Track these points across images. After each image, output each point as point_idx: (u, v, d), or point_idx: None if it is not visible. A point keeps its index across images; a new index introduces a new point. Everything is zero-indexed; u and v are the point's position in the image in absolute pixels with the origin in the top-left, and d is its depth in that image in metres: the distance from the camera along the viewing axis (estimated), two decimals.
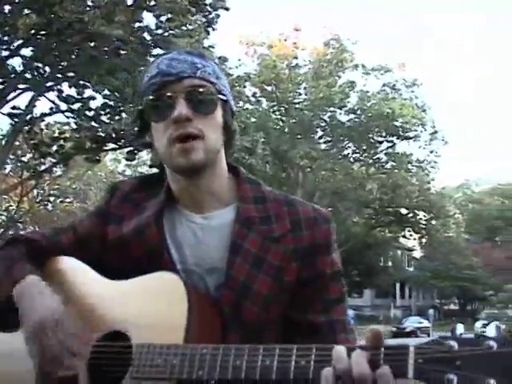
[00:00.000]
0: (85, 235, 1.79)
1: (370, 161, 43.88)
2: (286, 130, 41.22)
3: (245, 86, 34.81)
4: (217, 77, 1.68)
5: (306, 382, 1.27)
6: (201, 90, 1.62)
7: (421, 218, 47.71)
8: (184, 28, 21.89)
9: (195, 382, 1.39)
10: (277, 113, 42.01)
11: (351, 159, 43.82)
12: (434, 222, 48.22)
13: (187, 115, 1.58)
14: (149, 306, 1.56)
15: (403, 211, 46.46)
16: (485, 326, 32.90)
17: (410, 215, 46.78)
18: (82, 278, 1.72)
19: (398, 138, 42.96)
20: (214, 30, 23.54)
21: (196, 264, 1.66)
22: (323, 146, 42.95)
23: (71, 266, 1.75)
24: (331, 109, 41.08)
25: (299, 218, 1.68)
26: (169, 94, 1.60)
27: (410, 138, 42.99)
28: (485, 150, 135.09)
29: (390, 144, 43.58)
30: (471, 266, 58.19)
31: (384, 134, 42.50)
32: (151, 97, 1.63)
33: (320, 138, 43.25)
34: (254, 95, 39.98)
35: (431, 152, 43.73)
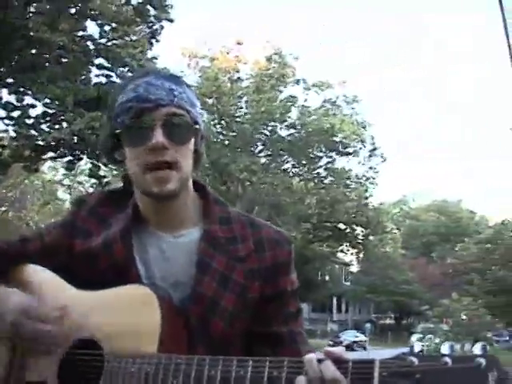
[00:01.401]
0: (51, 244, 1.82)
1: (310, 176, 44.20)
2: (227, 143, 41.26)
3: None
4: (191, 104, 1.72)
5: None
6: (177, 119, 1.66)
7: (358, 233, 48.21)
8: (127, 38, 21.79)
9: None
10: (217, 126, 41.97)
11: (291, 173, 44.08)
12: (371, 237, 48.78)
13: (164, 144, 1.62)
14: (121, 316, 1.60)
15: (341, 226, 46.87)
16: (420, 339, 33.43)
17: (348, 230, 47.22)
18: (51, 285, 1.74)
19: (337, 154, 43.44)
20: (157, 41, 23.49)
21: (162, 278, 1.71)
22: (263, 160, 43.05)
23: (39, 274, 1.78)
24: (272, 123, 41.26)
25: (262, 240, 1.77)
26: (146, 121, 1.64)
27: (350, 154, 43.49)
28: (422, 166, 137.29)
29: (330, 159, 43.98)
30: (407, 280, 59.04)
31: (324, 150, 42.89)
32: (128, 122, 1.65)
33: (260, 151, 43.35)
34: None
35: (370, 168, 44.32)
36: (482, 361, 1.21)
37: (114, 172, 34.93)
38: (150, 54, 23.23)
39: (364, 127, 43.20)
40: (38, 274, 1.78)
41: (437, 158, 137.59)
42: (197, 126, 1.73)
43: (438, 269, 59.25)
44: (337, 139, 41.55)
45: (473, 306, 28.29)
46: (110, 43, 21.74)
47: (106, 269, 1.71)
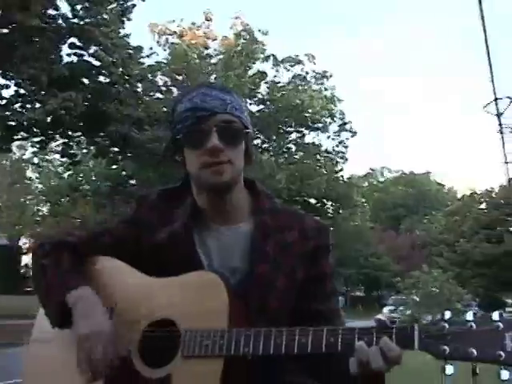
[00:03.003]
0: (120, 239, 2.07)
1: (280, 151, 44.27)
2: None
3: (156, 76, 34.71)
4: (241, 111, 1.99)
5: (329, 356, 1.67)
6: (230, 124, 1.94)
7: (329, 208, 48.42)
8: (99, 17, 21.72)
9: (236, 358, 1.72)
10: None
11: (260, 149, 44.08)
12: (341, 211, 49.04)
13: (219, 147, 1.89)
14: (192, 298, 1.85)
15: (312, 201, 47.02)
16: (392, 311, 33.87)
17: (319, 205, 47.38)
18: (126, 274, 2.00)
19: (307, 129, 43.50)
20: (129, 19, 23.44)
21: (221, 266, 1.96)
22: None
23: (114, 265, 2.04)
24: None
25: (306, 228, 2.04)
26: (204, 127, 1.90)
27: (319, 129, 43.60)
28: (390, 139, 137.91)
29: (299, 135, 44.08)
30: (376, 253, 59.63)
31: (293, 125, 42.91)
32: (188, 128, 1.93)
33: None
34: (164, 84, 39.74)
35: (340, 143, 44.51)
36: (500, 324, 1.52)
37: (84, 151, 34.91)
38: (122, 33, 23.28)
39: (333, 102, 43.33)
40: (112, 264, 2.03)
41: (405, 131, 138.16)
42: (247, 130, 2.00)
43: (407, 241, 59.89)
44: (306, 114, 41.58)
45: (442, 277, 28.70)
46: (82, 22, 21.67)
47: (171, 259, 1.96)
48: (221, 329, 1.76)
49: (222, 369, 1.72)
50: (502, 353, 1.48)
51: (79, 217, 46.23)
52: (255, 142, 42.87)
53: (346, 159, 45.58)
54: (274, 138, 43.25)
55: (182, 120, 1.95)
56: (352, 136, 44.62)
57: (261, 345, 1.70)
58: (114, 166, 37.00)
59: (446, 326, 1.56)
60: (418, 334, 1.57)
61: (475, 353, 1.51)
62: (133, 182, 39.16)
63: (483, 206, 56.06)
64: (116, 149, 29.16)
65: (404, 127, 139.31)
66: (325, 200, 46.77)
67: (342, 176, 47.52)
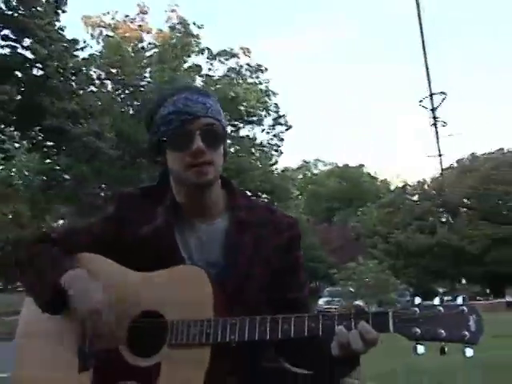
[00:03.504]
0: (101, 236, 2.14)
1: None
2: (131, 112, 40.93)
3: (90, 69, 34.37)
4: (220, 114, 2.12)
5: (310, 339, 1.81)
6: (212, 127, 2.05)
7: (263, 200, 48.69)
8: (34, 9, 21.43)
9: (221, 346, 1.84)
10: (122, 96, 41.57)
11: None
12: (276, 203, 49.36)
13: (203, 148, 2.00)
14: (178, 290, 1.95)
15: (247, 194, 47.12)
16: (328, 302, 34.31)
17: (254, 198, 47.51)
18: (111, 269, 2.08)
19: (242, 122, 43.68)
20: (63, 12, 23.18)
21: (200, 260, 2.08)
22: None
23: (98, 261, 2.11)
24: None
25: (279, 222, 2.18)
26: (188, 130, 2.01)
27: (254, 123, 43.81)
28: (323, 131, 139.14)
29: (234, 128, 44.20)
30: (312, 245, 60.18)
31: (228, 118, 43.00)
32: (172, 131, 2.03)
33: None
34: (98, 77, 39.39)
35: (274, 136, 44.79)
36: (465, 308, 1.70)
37: (16, 145, 34.39)
38: (57, 25, 23.03)
39: (268, 96, 43.60)
40: (96, 261, 2.11)
41: (339, 123, 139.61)
42: (225, 132, 2.15)
43: (340, 233, 60.52)
44: (241, 108, 41.75)
45: (378, 268, 29.27)
46: (16, 14, 21.34)
47: (153, 254, 2.05)
48: (206, 318, 1.87)
49: (210, 356, 1.84)
50: (466, 333, 1.67)
51: (11, 212, 45.53)
52: None
53: (281, 152, 45.93)
54: None
55: (166, 123, 2.04)
56: (287, 129, 44.97)
57: (246, 332, 1.83)
58: (48, 161, 36.54)
59: (417, 310, 1.72)
60: (392, 318, 1.73)
61: (444, 334, 1.68)
62: (67, 176, 38.71)
63: (415, 197, 57.12)
64: (51, 143, 28.79)
65: (337, 119, 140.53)
66: (259, 193, 47.01)
67: (277, 169, 47.86)
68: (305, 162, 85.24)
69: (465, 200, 52.71)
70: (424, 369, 8.34)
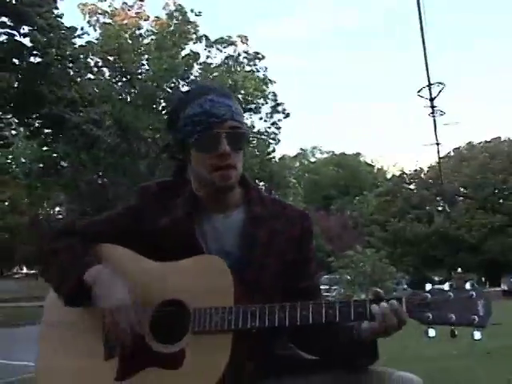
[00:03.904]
0: (122, 227, 2.21)
1: None
2: (129, 100, 40.93)
3: (87, 56, 34.31)
4: (242, 116, 2.19)
5: (325, 326, 1.92)
6: (237, 130, 2.12)
7: (262, 189, 48.62)
8: None
9: (242, 332, 1.93)
10: (119, 83, 41.54)
11: None
12: (274, 192, 49.36)
13: (229, 151, 2.07)
14: (199, 280, 2.03)
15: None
16: (326, 290, 34.40)
17: None
18: (133, 259, 2.15)
19: None
20: None
21: (216, 250, 2.15)
22: (166, 117, 42.67)
23: (120, 252, 2.19)
24: (174, 80, 41.09)
25: (292, 216, 2.26)
26: (215, 133, 2.07)
27: (252, 110, 43.78)
28: (321, 119, 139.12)
29: None
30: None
31: None
32: (198, 133, 2.09)
33: (163, 109, 43.14)
34: (96, 65, 39.34)
35: (272, 124, 44.79)
36: (473, 293, 1.79)
37: (13, 132, 34.32)
38: (55, 13, 22.98)
39: (266, 84, 43.60)
40: (119, 251, 2.18)
41: (336, 112, 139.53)
42: (247, 135, 2.22)
43: (338, 221, 60.61)
44: (239, 95, 41.71)
45: (375, 256, 29.31)
46: (14, 1, 21.31)
47: (173, 245, 2.12)
48: (228, 306, 1.95)
49: (231, 342, 1.92)
50: (475, 317, 1.77)
51: (8, 199, 45.60)
52: None
53: (279, 140, 45.93)
54: None
55: (192, 123, 2.10)
56: (285, 117, 44.98)
57: (266, 319, 1.92)
58: (46, 148, 36.54)
59: (429, 296, 1.82)
60: (405, 303, 1.83)
61: (454, 318, 1.77)
62: (65, 164, 38.74)
63: (412, 186, 57.22)
64: (49, 130, 28.80)
65: (335, 108, 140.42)
66: (258, 181, 47.05)
67: (274, 157, 47.86)
68: (302, 150, 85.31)
69: (462, 189, 52.85)
70: (419, 356, 8.45)
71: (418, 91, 20.39)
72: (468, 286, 1.79)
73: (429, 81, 19.32)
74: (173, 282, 2.06)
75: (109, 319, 1.98)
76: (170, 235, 2.15)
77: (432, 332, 1.78)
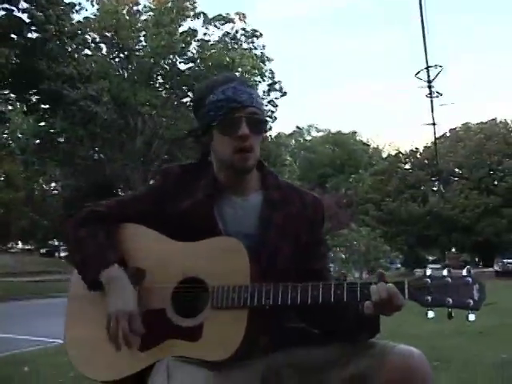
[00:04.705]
0: (147, 207, 2.37)
1: None
2: (126, 76, 40.89)
3: (85, 33, 34.25)
4: (261, 103, 2.36)
5: (335, 305, 2.05)
6: (256, 116, 2.28)
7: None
8: None
9: (257, 309, 2.08)
10: (117, 59, 41.48)
11: (190, 107, 44.06)
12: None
13: (248, 134, 2.23)
14: (218, 260, 2.18)
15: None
16: None
17: None
18: (155, 238, 2.32)
19: None
20: None
21: (235, 232, 2.28)
22: (163, 94, 42.82)
23: (143, 231, 2.34)
24: (171, 57, 41.03)
25: (306, 202, 2.42)
26: (236, 117, 2.24)
27: None
28: (317, 98, 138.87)
29: None
30: None
31: None
32: (221, 117, 2.25)
33: (160, 85, 43.12)
34: (93, 41, 39.28)
35: (269, 102, 44.77)
36: (469, 279, 1.96)
37: (10, 107, 34.30)
38: None
39: (263, 61, 43.58)
40: (142, 230, 2.34)
41: (333, 90, 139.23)
42: (266, 121, 2.38)
43: (333, 200, 60.71)
44: (237, 73, 41.57)
45: (370, 235, 29.55)
46: None
47: (193, 225, 2.27)
48: (244, 285, 2.11)
49: (247, 317, 2.09)
50: (471, 301, 1.93)
51: (3, 174, 45.58)
52: (185, 100, 42.87)
53: (275, 118, 45.94)
54: None
55: (216, 109, 2.26)
56: (282, 96, 45.02)
57: (279, 297, 2.07)
58: (43, 124, 36.58)
59: (429, 280, 1.98)
60: (407, 287, 1.99)
61: (451, 301, 1.93)
62: (61, 139, 38.80)
63: (408, 166, 57.29)
64: (46, 106, 28.81)
65: (332, 86, 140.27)
66: None
67: (271, 135, 47.91)
68: (298, 128, 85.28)
69: (457, 169, 52.95)
70: (412, 334, 8.62)
71: (416, 73, 20.54)
72: (465, 272, 1.95)
73: (427, 63, 19.50)
74: (193, 261, 2.21)
75: (111, 319, 2.13)
76: (190, 216, 2.29)
77: (431, 314, 1.95)
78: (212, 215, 2.31)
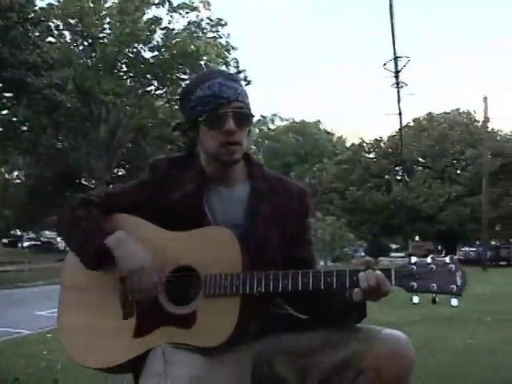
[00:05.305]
0: (136, 200, 2.42)
1: (174, 98, 44.10)
2: (90, 64, 40.52)
3: (48, 20, 33.88)
4: (247, 97, 2.40)
5: (323, 291, 2.11)
6: (241, 110, 2.33)
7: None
8: None
9: (249, 296, 2.14)
10: (80, 47, 41.09)
11: (155, 96, 43.91)
12: None
13: (235, 129, 2.28)
14: (210, 248, 2.24)
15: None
16: None
17: None
18: (148, 228, 2.36)
19: None
20: None
21: (223, 221, 2.35)
22: (127, 82, 42.56)
23: (135, 221, 2.38)
24: (136, 45, 40.76)
25: (292, 192, 2.47)
26: (222, 112, 2.29)
27: None
28: (281, 87, 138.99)
29: None
30: None
31: (188, 72, 42.67)
32: (208, 112, 2.30)
33: (124, 73, 42.81)
34: (57, 28, 38.86)
35: None
36: (453, 265, 2.06)
37: None
38: None
39: (228, 50, 43.47)
40: (134, 220, 2.38)
41: (297, 79, 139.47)
42: (252, 114, 2.41)
43: None
44: (202, 62, 41.50)
45: (336, 224, 29.77)
46: None
47: (183, 216, 2.32)
48: (236, 273, 2.17)
49: (239, 304, 2.15)
50: (454, 286, 2.03)
51: None
52: (149, 88, 42.70)
53: None
54: (169, 84, 43.04)
55: (203, 104, 2.31)
56: (247, 84, 44.87)
57: (271, 285, 2.14)
58: (5, 112, 36.15)
59: (414, 267, 2.07)
60: (394, 273, 2.07)
61: (435, 287, 2.02)
62: (25, 128, 38.39)
63: (372, 155, 57.75)
64: (10, 94, 28.51)
65: (296, 76, 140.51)
66: None
67: None
68: (262, 116, 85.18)
69: (420, 159, 53.51)
70: (385, 321, 8.73)
71: (384, 64, 20.64)
72: (448, 259, 2.05)
73: (395, 53, 19.56)
74: (186, 250, 2.25)
75: (132, 279, 2.19)
76: (180, 208, 2.34)
77: (416, 299, 2.04)
78: (201, 206, 2.36)
